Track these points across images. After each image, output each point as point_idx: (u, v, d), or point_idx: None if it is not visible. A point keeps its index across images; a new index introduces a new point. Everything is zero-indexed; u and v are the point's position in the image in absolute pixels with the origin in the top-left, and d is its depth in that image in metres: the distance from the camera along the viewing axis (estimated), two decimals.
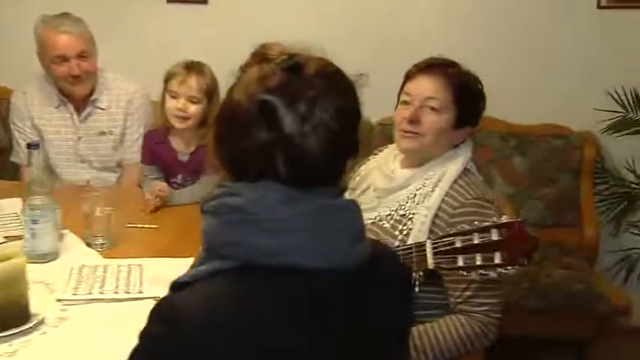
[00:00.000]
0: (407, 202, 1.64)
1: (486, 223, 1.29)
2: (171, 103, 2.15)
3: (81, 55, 2.34)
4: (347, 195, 1.77)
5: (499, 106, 2.83)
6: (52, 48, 2.31)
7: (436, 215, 1.57)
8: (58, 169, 2.48)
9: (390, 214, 1.66)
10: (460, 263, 1.30)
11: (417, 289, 1.45)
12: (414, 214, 1.61)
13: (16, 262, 1.37)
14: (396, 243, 1.59)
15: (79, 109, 2.46)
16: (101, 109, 2.46)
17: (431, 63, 1.65)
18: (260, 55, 0.91)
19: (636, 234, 2.88)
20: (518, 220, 1.26)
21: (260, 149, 0.86)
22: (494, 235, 1.26)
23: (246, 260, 0.86)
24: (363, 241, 0.93)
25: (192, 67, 2.14)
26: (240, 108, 0.87)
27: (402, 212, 1.63)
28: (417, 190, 1.64)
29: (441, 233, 1.52)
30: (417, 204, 1.62)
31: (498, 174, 2.87)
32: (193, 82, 2.12)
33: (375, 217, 1.68)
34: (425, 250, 1.37)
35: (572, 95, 2.88)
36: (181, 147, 2.22)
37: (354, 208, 0.94)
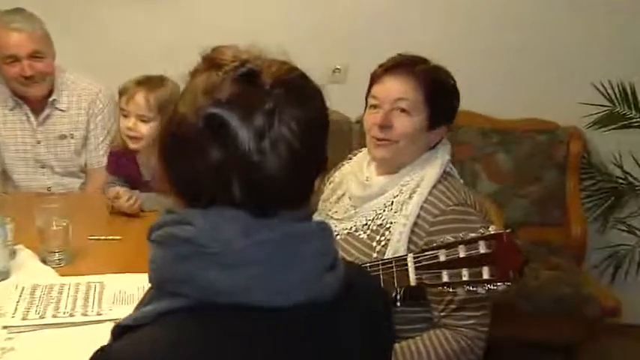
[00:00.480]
0: (384, 211, 1.54)
1: (472, 235, 1.18)
2: (122, 122, 2.01)
3: (34, 55, 2.18)
4: (322, 205, 1.71)
5: (480, 101, 2.76)
6: (2, 47, 2.16)
7: (415, 224, 1.47)
8: (15, 175, 2.33)
9: (366, 224, 1.55)
10: (445, 279, 1.18)
11: (398, 304, 1.34)
12: (391, 223, 1.50)
13: None
14: (374, 255, 1.49)
15: (36, 111, 2.31)
16: (61, 110, 2.31)
17: (397, 62, 1.54)
18: (210, 61, 0.78)
19: (624, 230, 2.82)
20: (507, 230, 1.15)
21: (211, 171, 0.74)
22: (482, 248, 1.15)
23: (199, 299, 0.74)
24: (336, 268, 0.82)
25: (143, 83, 1.97)
26: (185, 124, 0.75)
27: (379, 222, 1.53)
28: (394, 197, 1.54)
29: (421, 243, 1.43)
30: (395, 212, 1.51)
31: (482, 171, 2.78)
32: (141, 99, 1.95)
33: (351, 228, 1.58)
34: (406, 265, 1.26)
35: (557, 89, 2.79)
36: (145, 164, 2.06)
37: (323, 233, 0.82)
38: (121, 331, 0.76)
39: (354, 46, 2.81)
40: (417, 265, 1.24)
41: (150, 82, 1.98)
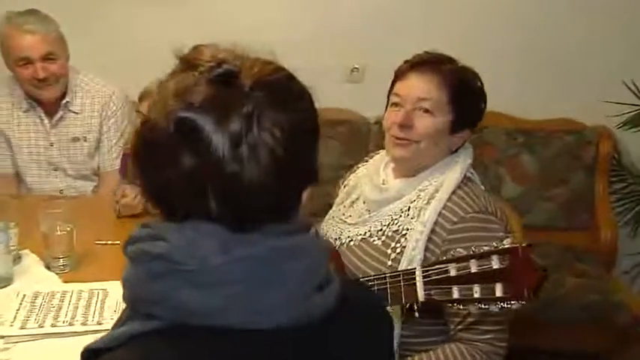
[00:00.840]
0: (400, 217, 1.46)
1: (485, 248, 1.10)
2: None
3: (47, 57, 2.15)
4: (335, 209, 1.64)
5: (504, 101, 2.65)
6: (15, 49, 2.13)
7: (433, 231, 1.39)
8: (28, 177, 2.30)
9: (381, 230, 1.48)
10: (455, 295, 1.10)
11: (417, 314, 1.27)
12: (408, 229, 1.43)
13: None
14: (389, 262, 1.41)
15: (49, 113, 2.28)
16: (74, 112, 2.28)
17: (423, 59, 1.45)
18: (187, 62, 0.72)
19: None
20: (523, 244, 1.06)
21: (184, 180, 0.67)
22: (495, 263, 1.07)
23: (174, 320, 0.68)
24: (328, 285, 0.74)
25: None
26: (156, 129, 0.68)
27: (394, 228, 1.45)
28: (412, 202, 1.46)
29: (438, 252, 1.36)
30: (412, 218, 1.43)
31: (506, 173, 2.68)
32: None
33: (365, 233, 1.50)
34: (414, 279, 1.18)
35: (585, 87, 2.67)
36: None
37: (313, 248, 0.74)
38: (89, 355, 0.71)
39: (373, 46, 2.73)
40: (425, 279, 1.16)
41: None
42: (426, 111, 1.41)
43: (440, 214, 1.39)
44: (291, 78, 0.74)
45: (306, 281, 0.71)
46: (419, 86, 1.42)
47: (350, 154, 2.48)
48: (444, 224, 1.38)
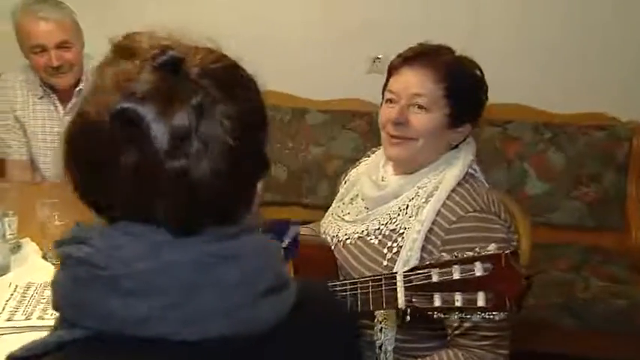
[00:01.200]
0: (398, 215, 1.40)
1: (469, 254, 1.03)
2: None
3: (61, 45, 2.14)
4: (335, 205, 1.59)
5: (532, 93, 2.55)
6: (30, 37, 2.13)
7: (430, 231, 1.32)
8: (42, 164, 2.31)
9: (378, 229, 1.42)
10: (437, 303, 1.03)
11: (408, 317, 1.20)
12: (405, 228, 1.36)
13: None
14: (384, 263, 1.36)
15: (63, 101, 2.28)
16: None
17: (417, 52, 1.38)
18: (123, 50, 0.67)
19: None
20: (506, 252, 0.98)
21: (125, 179, 0.62)
22: (478, 270, 1.00)
23: (100, 330, 0.63)
24: (280, 291, 0.69)
25: None
26: (91, 123, 0.63)
27: (392, 227, 1.39)
28: (410, 200, 1.39)
29: (436, 253, 1.29)
30: (410, 217, 1.37)
31: (531, 169, 2.56)
32: None
33: (362, 232, 1.45)
34: (395, 284, 1.11)
35: (618, 80, 2.53)
36: None
37: (256, 251, 0.68)
38: None
39: (396, 35, 2.64)
40: (407, 285, 1.09)
41: None
42: (421, 107, 1.35)
43: (438, 212, 1.33)
44: (236, 66, 0.69)
45: (248, 288, 0.66)
46: (412, 81, 1.36)
47: (369, 147, 2.42)
48: (442, 224, 1.31)
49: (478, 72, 1.40)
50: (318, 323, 0.76)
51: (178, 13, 2.81)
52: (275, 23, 2.78)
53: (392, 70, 1.43)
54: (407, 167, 1.42)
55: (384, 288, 1.13)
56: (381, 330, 1.38)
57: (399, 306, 1.10)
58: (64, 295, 0.66)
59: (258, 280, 0.67)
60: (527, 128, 2.57)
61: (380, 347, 1.38)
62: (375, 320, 1.37)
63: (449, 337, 1.33)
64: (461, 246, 1.24)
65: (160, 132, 0.61)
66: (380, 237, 1.40)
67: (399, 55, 1.42)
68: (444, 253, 1.18)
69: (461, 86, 1.35)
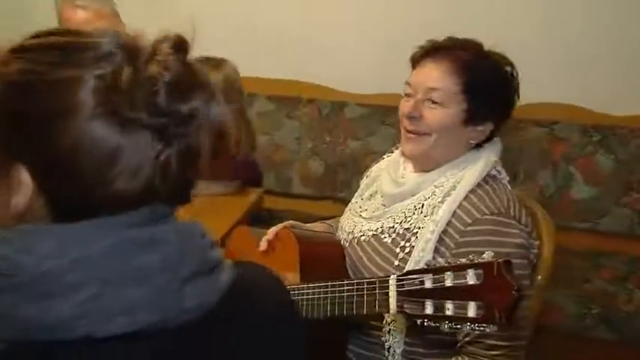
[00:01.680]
0: (413, 214, 1.34)
1: (462, 260, 0.97)
2: None
3: None
4: (354, 201, 1.55)
5: (581, 93, 2.41)
6: (67, 24, 2.18)
7: (445, 232, 1.26)
8: None
9: (393, 227, 1.37)
10: (428, 310, 0.98)
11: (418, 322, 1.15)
12: (419, 228, 1.31)
13: None
14: (396, 262, 1.31)
15: None
16: None
17: (438, 45, 1.33)
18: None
19: None
20: (499, 260, 0.92)
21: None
22: (471, 278, 0.93)
23: (19, 341, 0.60)
24: (212, 274, 0.66)
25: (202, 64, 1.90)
26: None
27: (406, 225, 1.34)
28: (426, 199, 1.34)
29: (448, 254, 1.23)
30: (425, 216, 1.31)
31: (578, 173, 2.44)
32: None
33: (377, 229, 1.40)
34: (388, 288, 1.07)
35: None
36: None
37: (180, 236, 0.65)
38: None
39: (456, 31, 2.57)
40: (399, 289, 1.04)
41: (204, 64, 1.90)
42: (435, 102, 1.30)
43: (454, 213, 1.27)
44: None
45: (168, 274, 0.62)
46: (429, 74, 1.31)
47: None
48: (456, 225, 1.26)
49: (508, 68, 1.34)
50: (258, 313, 0.72)
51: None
52: (319, 19, 2.76)
53: (414, 62, 1.38)
54: (424, 164, 1.37)
55: (377, 291, 1.08)
56: (389, 332, 1.34)
57: (391, 311, 1.05)
58: None
59: (180, 266, 0.63)
60: (575, 129, 2.45)
61: (388, 349, 1.34)
62: (384, 322, 1.33)
63: (458, 344, 1.27)
64: (475, 249, 1.17)
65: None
66: (394, 235, 1.35)
67: (421, 47, 1.37)
68: (471, 255, 1.11)
69: (481, 82, 1.29)
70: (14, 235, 0.61)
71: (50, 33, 0.64)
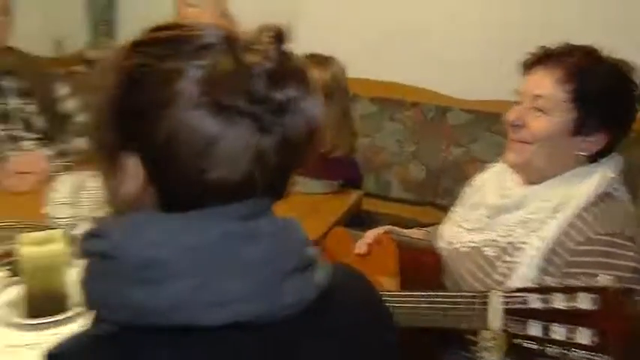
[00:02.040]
0: (518, 228, 1.29)
1: (573, 282, 0.90)
2: None
3: None
4: (456, 210, 1.50)
5: None
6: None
7: (553, 251, 1.20)
8: None
9: (495, 240, 1.32)
10: (533, 332, 0.92)
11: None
12: (524, 243, 1.25)
13: (56, 249, 1.30)
14: (495, 276, 1.26)
15: None
16: None
17: (549, 51, 1.27)
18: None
19: None
20: (618, 286, 0.84)
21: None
22: (582, 303, 0.87)
23: (126, 323, 0.62)
24: (307, 271, 0.66)
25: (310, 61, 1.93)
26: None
27: (509, 239, 1.29)
28: (532, 214, 1.28)
29: (557, 274, 1.17)
30: (531, 232, 1.25)
31: None
32: None
33: (479, 241, 1.36)
34: (489, 304, 1.01)
35: None
36: None
37: (281, 232, 0.65)
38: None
39: (548, 35, 2.45)
40: (505, 307, 0.98)
41: (312, 61, 1.92)
42: (540, 110, 1.24)
43: (564, 231, 1.20)
44: None
45: (270, 267, 0.63)
46: (539, 82, 1.25)
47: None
48: (567, 244, 1.19)
49: (625, 77, 1.25)
50: (351, 309, 0.72)
51: None
52: (424, 22, 2.71)
53: (525, 69, 1.33)
54: (529, 175, 1.31)
55: (476, 306, 1.03)
56: (486, 349, 1.28)
57: (493, 328, 1.00)
58: (90, 291, 0.66)
59: (282, 260, 0.64)
60: None
61: None
62: (479, 337, 1.27)
63: None
64: (585, 270, 1.12)
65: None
66: (496, 249, 1.30)
67: (533, 54, 1.31)
68: (581, 277, 1.05)
69: (593, 89, 1.21)
70: (124, 220, 0.63)
71: (159, 28, 0.66)
